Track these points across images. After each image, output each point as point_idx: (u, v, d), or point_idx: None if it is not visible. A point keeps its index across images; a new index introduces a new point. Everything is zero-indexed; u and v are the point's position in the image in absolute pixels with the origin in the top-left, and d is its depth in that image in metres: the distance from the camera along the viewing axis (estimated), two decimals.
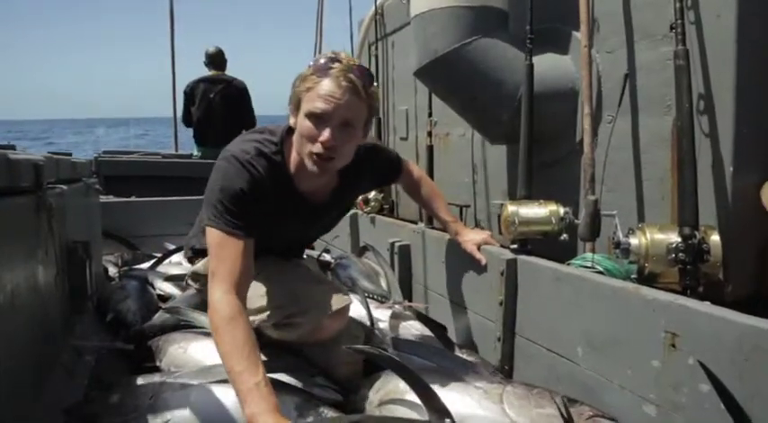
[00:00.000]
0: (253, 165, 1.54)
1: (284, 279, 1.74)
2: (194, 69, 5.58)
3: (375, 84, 1.56)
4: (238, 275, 1.44)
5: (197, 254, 1.96)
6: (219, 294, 1.40)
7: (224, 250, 1.47)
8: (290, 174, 1.64)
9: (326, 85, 1.45)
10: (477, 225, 2.72)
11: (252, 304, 1.58)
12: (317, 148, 1.48)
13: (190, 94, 5.42)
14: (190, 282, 2.05)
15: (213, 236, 1.49)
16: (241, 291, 1.45)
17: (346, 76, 1.45)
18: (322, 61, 1.49)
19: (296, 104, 1.53)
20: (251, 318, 1.54)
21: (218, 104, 5.31)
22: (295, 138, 1.56)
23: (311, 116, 1.47)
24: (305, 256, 2.30)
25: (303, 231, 1.96)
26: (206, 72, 5.46)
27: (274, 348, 1.73)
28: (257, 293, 1.65)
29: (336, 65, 1.46)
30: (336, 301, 1.70)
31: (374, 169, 1.87)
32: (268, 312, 1.67)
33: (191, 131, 5.62)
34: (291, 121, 1.57)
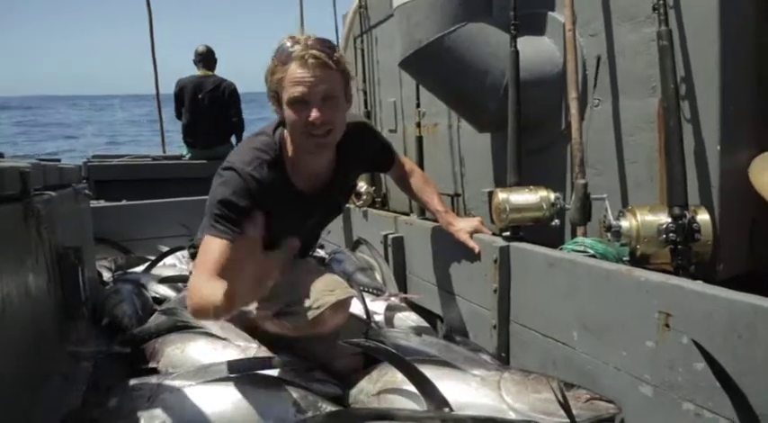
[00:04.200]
0: (253, 176, 1.58)
1: (286, 272, 1.73)
2: (180, 62, 5.43)
3: (337, 48, 1.62)
4: (221, 268, 1.49)
5: None
6: (200, 279, 1.49)
7: (210, 247, 1.53)
8: (290, 172, 1.69)
9: (294, 69, 1.51)
10: (468, 214, 2.72)
11: None
12: (311, 128, 1.55)
13: (179, 94, 5.36)
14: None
15: (204, 241, 1.56)
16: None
17: (309, 53, 1.50)
18: (280, 49, 1.55)
19: (276, 98, 1.60)
20: (251, 308, 1.64)
21: (205, 107, 5.22)
22: (288, 128, 1.62)
23: (293, 103, 1.54)
24: None
25: (303, 226, 1.92)
26: (195, 71, 5.36)
27: (272, 345, 1.73)
28: None
29: (296, 48, 1.52)
30: (338, 293, 1.69)
31: (366, 147, 1.87)
32: (268, 302, 1.68)
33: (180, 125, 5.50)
34: (279, 114, 1.62)
